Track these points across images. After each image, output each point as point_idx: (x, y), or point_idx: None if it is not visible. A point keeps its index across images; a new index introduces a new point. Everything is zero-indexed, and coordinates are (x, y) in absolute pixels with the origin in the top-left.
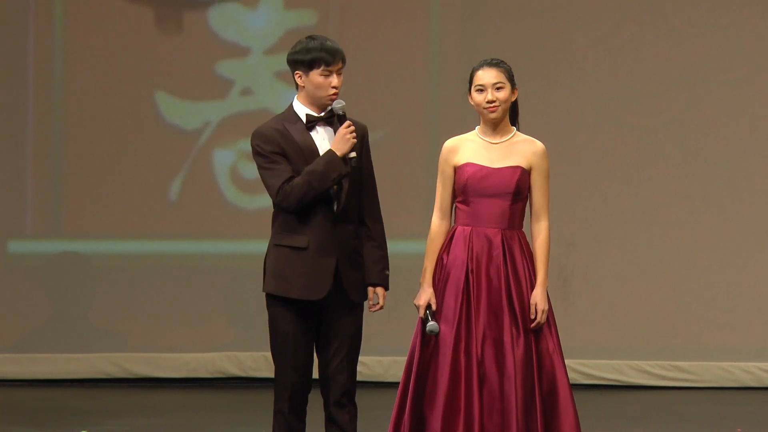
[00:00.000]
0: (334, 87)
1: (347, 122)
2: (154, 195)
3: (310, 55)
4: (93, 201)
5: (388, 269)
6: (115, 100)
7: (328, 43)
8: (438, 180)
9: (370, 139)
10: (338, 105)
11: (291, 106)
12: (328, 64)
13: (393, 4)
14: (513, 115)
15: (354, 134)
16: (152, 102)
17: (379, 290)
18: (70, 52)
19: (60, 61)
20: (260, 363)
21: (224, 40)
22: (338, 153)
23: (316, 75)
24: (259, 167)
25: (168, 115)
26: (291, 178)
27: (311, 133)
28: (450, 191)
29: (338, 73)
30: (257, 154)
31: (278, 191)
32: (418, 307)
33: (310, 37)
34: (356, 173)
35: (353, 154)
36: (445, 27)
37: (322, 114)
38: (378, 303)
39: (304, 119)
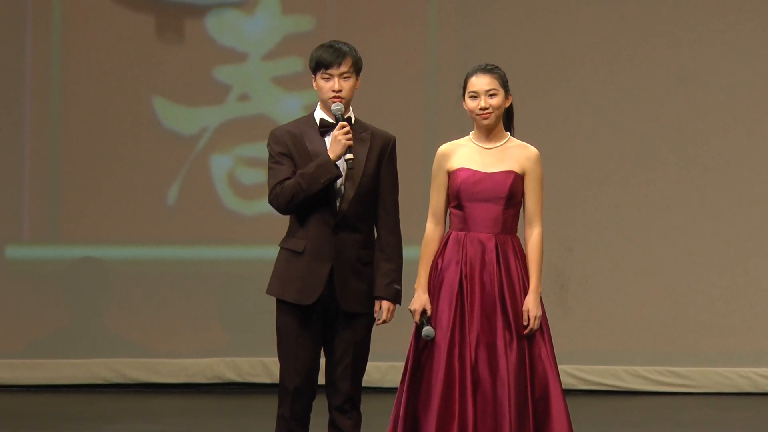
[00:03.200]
0: (334, 90)
1: (340, 124)
2: (151, 200)
3: (313, 60)
4: (90, 206)
5: (398, 283)
6: (112, 106)
7: (334, 46)
8: (432, 185)
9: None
10: (336, 107)
11: (314, 110)
12: (327, 68)
13: (390, 9)
14: (507, 120)
15: (349, 136)
16: (150, 107)
17: (384, 304)
18: (68, 58)
19: (57, 66)
20: (258, 368)
21: (222, 45)
22: (331, 156)
23: (319, 79)
24: (268, 167)
25: (166, 121)
26: (286, 179)
27: (325, 139)
28: (443, 197)
29: (341, 77)
30: (268, 153)
31: (271, 191)
32: (412, 312)
33: (324, 44)
34: (369, 181)
35: (349, 156)
36: (443, 32)
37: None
38: (381, 318)
39: (319, 124)
